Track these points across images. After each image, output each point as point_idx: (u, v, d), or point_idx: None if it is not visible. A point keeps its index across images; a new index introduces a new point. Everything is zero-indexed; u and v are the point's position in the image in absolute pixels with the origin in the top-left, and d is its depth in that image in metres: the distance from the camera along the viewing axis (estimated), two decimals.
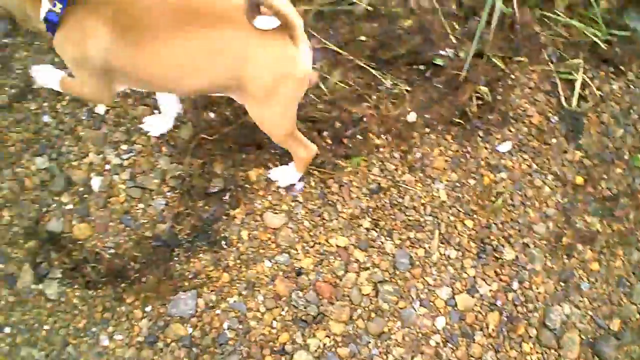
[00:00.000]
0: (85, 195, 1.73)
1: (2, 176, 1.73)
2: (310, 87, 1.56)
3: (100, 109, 1.84)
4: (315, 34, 1.96)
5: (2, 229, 1.68)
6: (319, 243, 1.73)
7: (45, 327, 1.59)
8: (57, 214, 1.70)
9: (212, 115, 1.88)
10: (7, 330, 1.58)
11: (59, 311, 1.61)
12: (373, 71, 1.93)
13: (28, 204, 1.71)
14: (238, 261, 1.69)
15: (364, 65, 1.94)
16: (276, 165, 1.79)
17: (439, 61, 1.97)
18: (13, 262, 1.64)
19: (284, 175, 1.76)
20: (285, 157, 1.77)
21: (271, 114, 1.43)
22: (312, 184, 1.79)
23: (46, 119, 1.82)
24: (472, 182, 1.88)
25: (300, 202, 1.77)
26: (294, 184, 1.78)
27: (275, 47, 1.25)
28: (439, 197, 1.85)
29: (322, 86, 1.91)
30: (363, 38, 1.97)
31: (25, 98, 1.83)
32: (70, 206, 1.72)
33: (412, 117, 1.92)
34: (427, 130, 1.92)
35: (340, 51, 1.94)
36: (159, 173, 1.77)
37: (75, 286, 1.63)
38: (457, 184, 1.87)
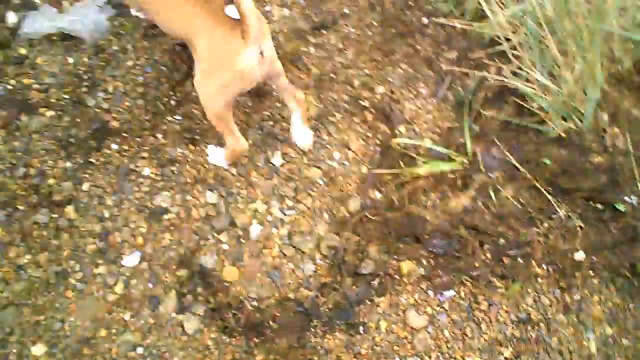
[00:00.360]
0: (242, 240, 1.77)
1: (174, 200, 1.78)
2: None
3: (277, 160, 1.88)
4: (498, 143, 1.93)
5: (160, 251, 1.72)
6: (454, 358, 1.66)
7: (175, 358, 1.59)
8: (213, 250, 1.75)
9: (378, 195, 1.88)
10: (140, 350, 1.64)
11: (191, 347, 1.65)
12: (549, 196, 1.89)
13: (189, 233, 1.76)
14: (371, 351, 1.68)
15: (541, 188, 1.89)
16: (429, 264, 1.84)
17: (620, 206, 1.91)
18: (161, 286, 1.72)
19: (216, 154, 1.88)
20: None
21: (206, 90, 1.61)
22: (462, 294, 1.76)
23: None
24: (626, 342, 1.77)
25: (446, 310, 1.74)
26: (444, 292, 1.79)
27: (224, 36, 1.47)
28: (589, 348, 1.76)
29: (493, 197, 1.87)
30: (547, 161, 1.94)
31: (207, 136, 1.92)
32: (226, 246, 1.76)
33: (579, 255, 1.86)
34: (592, 273, 1.85)
35: (520, 167, 1.91)
36: (315, 238, 1.79)
37: (213, 328, 1.67)
38: (610, 340, 1.77)
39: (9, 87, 1.95)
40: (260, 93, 2.06)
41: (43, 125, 1.88)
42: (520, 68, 2.01)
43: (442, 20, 2.27)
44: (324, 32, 2.24)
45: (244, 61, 1.49)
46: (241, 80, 1.55)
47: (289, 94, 1.78)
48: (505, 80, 2.00)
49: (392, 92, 2.13)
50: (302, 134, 1.90)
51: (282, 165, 1.95)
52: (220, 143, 1.88)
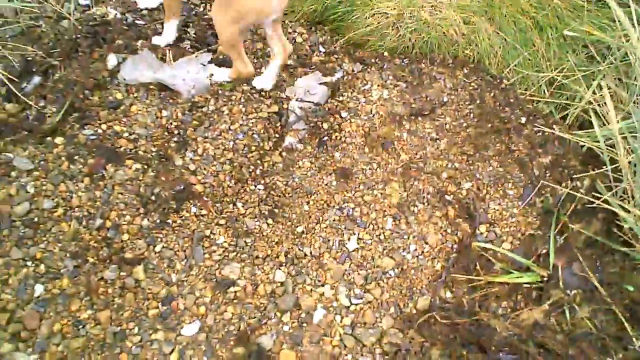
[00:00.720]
0: (304, 323, 1.75)
1: (243, 273, 1.77)
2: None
3: (352, 244, 1.84)
4: (581, 259, 1.85)
5: (220, 323, 1.71)
6: None
7: None
8: (273, 330, 1.74)
9: (449, 295, 1.82)
10: None
11: None
12: (627, 325, 1.78)
13: (252, 309, 1.76)
14: None
15: (620, 315, 1.78)
16: None
17: None
18: None
19: (220, 72, 2.14)
20: None
21: (223, 19, 1.85)
22: None
23: (300, 229, 1.94)
24: None
25: None
26: None
27: None
28: None
29: (568, 316, 1.78)
30: (630, 287, 1.84)
31: (286, 210, 1.98)
32: (287, 327, 1.75)
33: None
34: None
35: (600, 289, 1.81)
36: (378, 332, 1.76)
37: None
38: None
39: (100, 131, 1.99)
40: (346, 173, 2.05)
41: (127, 178, 1.92)
42: (616, 186, 1.92)
43: (541, 122, 2.21)
44: (420, 119, 2.21)
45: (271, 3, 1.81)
46: (257, 15, 1.86)
47: (280, 42, 2.04)
48: (599, 195, 1.92)
49: (478, 189, 2.08)
50: (269, 79, 2.15)
51: (355, 250, 1.92)
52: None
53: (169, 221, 1.95)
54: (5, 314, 1.68)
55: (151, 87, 2.17)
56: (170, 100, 2.16)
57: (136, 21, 2.35)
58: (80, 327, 1.75)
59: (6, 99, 2.03)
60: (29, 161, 1.92)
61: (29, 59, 2.14)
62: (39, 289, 1.75)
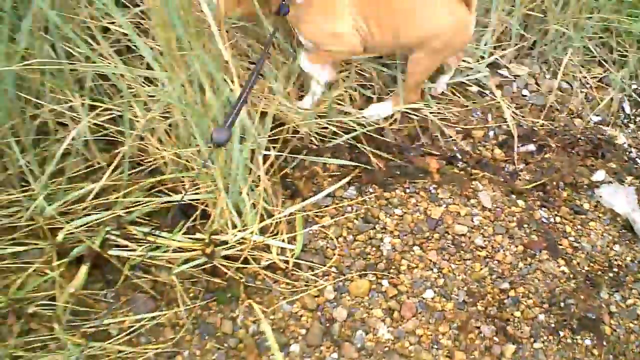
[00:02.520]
0: None
1: None
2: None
3: None
4: None
5: None
6: None
7: None
8: None
9: None
10: None
11: None
12: None
13: None
14: None
15: None
16: None
17: None
18: None
19: (381, 108, 2.22)
20: None
21: (431, 63, 1.98)
22: None
23: None
24: None
25: None
26: None
27: (459, 12, 1.85)
28: None
29: None
30: None
31: None
32: None
33: None
34: None
35: None
36: None
37: None
38: None
39: (553, 219, 2.23)
40: None
41: (551, 272, 2.13)
42: None
43: None
44: None
45: (471, 28, 1.94)
46: (463, 46, 2.07)
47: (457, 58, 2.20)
48: None
49: None
50: (443, 85, 2.28)
51: None
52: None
53: (561, 333, 2.10)
54: None
55: (618, 218, 2.35)
56: (627, 241, 2.31)
57: (637, 159, 2.57)
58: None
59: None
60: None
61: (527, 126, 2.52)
62: (428, 294, 2.04)
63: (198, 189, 1.90)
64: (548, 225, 2.26)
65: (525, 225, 2.19)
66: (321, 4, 1.91)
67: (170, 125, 1.94)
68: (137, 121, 1.87)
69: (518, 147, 2.37)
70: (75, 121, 1.94)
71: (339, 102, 2.24)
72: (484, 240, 2.11)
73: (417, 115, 2.30)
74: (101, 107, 1.88)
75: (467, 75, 2.42)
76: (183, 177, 1.89)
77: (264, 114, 1.94)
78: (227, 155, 1.79)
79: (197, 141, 1.80)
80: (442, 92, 2.28)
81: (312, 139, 2.15)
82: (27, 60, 1.78)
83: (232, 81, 1.68)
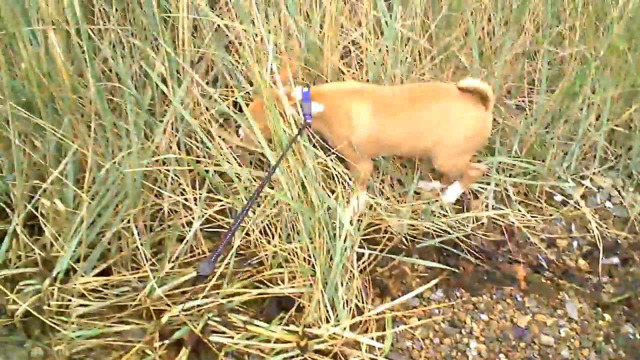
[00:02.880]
0: None
1: None
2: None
3: None
4: None
5: None
6: None
7: None
8: None
9: None
10: None
11: None
12: None
13: None
14: None
15: None
16: None
17: None
18: None
19: (453, 191, 2.31)
20: None
21: (456, 162, 2.12)
22: None
23: None
24: None
25: None
26: None
27: (475, 111, 2.01)
28: None
29: None
30: None
31: None
32: None
33: None
34: None
35: None
36: None
37: None
38: None
39: None
40: None
41: None
42: None
43: None
44: None
45: (489, 125, 2.11)
46: (484, 141, 2.21)
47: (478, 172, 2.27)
48: None
49: None
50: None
51: None
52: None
53: None
54: None
55: None
56: None
57: None
58: None
59: None
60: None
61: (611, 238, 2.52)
62: None
63: (295, 281, 2.01)
64: (635, 341, 2.23)
65: (612, 340, 2.17)
66: (337, 115, 2.06)
67: (273, 220, 2.09)
68: (247, 216, 2.03)
69: (602, 259, 2.38)
70: (188, 209, 2.12)
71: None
72: (571, 353, 2.11)
73: (503, 222, 2.37)
74: (217, 201, 2.06)
75: (552, 185, 2.50)
76: (283, 271, 2.01)
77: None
78: (326, 252, 1.91)
79: (301, 237, 1.94)
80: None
81: (403, 239, 2.25)
82: (157, 154, 2.00)
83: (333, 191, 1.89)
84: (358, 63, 2.46)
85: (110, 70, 2.16)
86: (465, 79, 1.96)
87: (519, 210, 2.37)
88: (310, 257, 1.95)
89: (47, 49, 1.80)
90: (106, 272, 2.07)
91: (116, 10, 2.20)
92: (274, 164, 1.79)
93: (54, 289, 1.96)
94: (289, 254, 1.97)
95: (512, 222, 2.35)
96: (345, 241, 1.88)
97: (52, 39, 1.65)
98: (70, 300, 1.96)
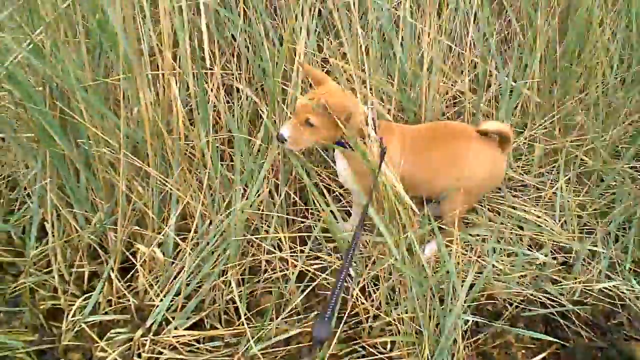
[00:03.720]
0: None
1: None
2: None
3: None
4: None
5: None
6: None
7: None
8: None
9: None
10: None
11: None
12: None
13: None
14: None
15: None
16: None
17: None
18: None
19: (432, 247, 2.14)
20: None
21: (468, 202, 2.09)
22: None
23: None
24: None
25: None
26: None
27: (493, 156, 2.04)
28: None
29: None
30: None
31: None
32: None
33: None
34: None
35: None
36: None
37: None
38: None
39: None
40: None
41: None
42: None
43: None
44: None
45: (504, 167, 2.09)
46: (499, 183, 2.22)
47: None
48: None
49: None
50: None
51: None
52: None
53: None
54: None
55: None
56: None
57: None
58: None
59: None
60: None
61: None
62: None
63: (395, 350, 1.92)
64: None
65: None
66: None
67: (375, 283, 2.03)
68: (349, 275, 1.95)
69: None
70: (284, 262, 2.07)
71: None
72: None
73: (611, 291, 2.23)
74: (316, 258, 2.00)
75: None
76: (386, 339, 1.92)
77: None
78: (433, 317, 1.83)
79: (407, 304, 1.86)
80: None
81: (507, 305, 2.13)
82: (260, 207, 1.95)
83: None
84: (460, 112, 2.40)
85: (219, 116, 2.13)
86: (486, 122, 1.97)
87: (629, 281, 2.21)
88: (414, 323, 1.87)
89: (164, 94, 1.78)
90: (197, 325, 1.99)
91: (222, 53, 2.18)
92: (364, 209, 1.71)
93: (146, 340, 1.90)
94: (393, 319, 1.87)
95: (623, 292, 2.20)
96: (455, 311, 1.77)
97: (172, 85, 1.61)
98: (161, 353, 1.90)
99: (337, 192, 2.24)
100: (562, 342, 2.07)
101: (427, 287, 1.80)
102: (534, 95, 2.37)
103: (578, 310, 2.13)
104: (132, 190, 1.88)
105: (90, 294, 2.01)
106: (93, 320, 1.99)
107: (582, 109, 2.46)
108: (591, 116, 2.41)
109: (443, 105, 2.38)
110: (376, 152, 1.75)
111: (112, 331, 1.97)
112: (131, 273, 2.09)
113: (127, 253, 2.00)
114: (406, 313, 1.87)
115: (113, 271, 1.97)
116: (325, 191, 2.11)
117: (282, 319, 1.96)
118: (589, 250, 2.32)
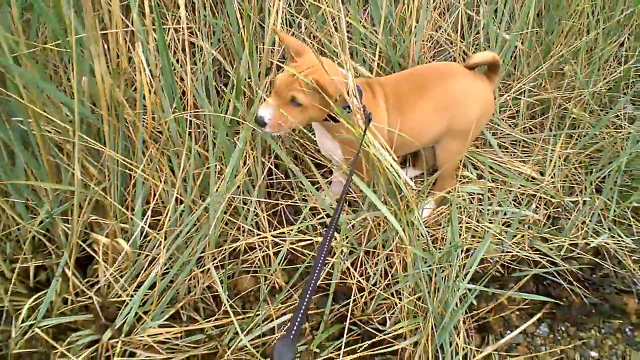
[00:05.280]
0: None
1: None
2: None
3: None
4: None
5: None
6: None
7: None
8: None
9: None
10: None
11: None
12: None
13: None
14: None
15: None
16: None
17: None
18: None
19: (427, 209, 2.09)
20: None
21: (461, 147, 1.93)
22: None
23: None
24: None
25: None
26: None
27: (485, 91, 1.88)
28: None
29: None
30: None
31: None
32: None
33: None
34: None
35: None
36: None
37: None
38: None
39: None
40: None
41: None
42: None
43: None
44: None
45: (493, 101, 1.94)
46: (487, 122, 2.05)
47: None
48: None
49: None
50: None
51: None
52: None
53: None
54: None
55: None
56: None
57: None
58: None
59: None
60: None
61: None
62: None
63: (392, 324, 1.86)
64: None
65: None
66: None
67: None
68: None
69: None
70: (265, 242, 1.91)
71: None
72: None
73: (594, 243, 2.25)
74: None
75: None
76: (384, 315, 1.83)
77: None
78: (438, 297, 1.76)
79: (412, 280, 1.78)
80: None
81: (499, 267, 2.10)
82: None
83: None
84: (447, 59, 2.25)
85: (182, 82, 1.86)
86: (473, 56, 1.85)
87: (615, 233, 2.23)
88: (414, 298, 1.80)
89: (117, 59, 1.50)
90: (172, 318, 1.82)
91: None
92: (346, 184, 1.50)
93: (117, 342, 1.70)
94: (391, 294, 1.78)
95: (607, 243, 2.22)
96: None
97: (137, 48, 1.34)
98: (134, 355, 1.72)
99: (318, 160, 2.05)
100: (555, 301, 2.05)
101: (433, 262, 1.69)
102: (524, 47, 2.25)
103: (569, 267, 2.11)
104: (86, 174, 1.60)
105: (39, 292, 1.76)
106: (49, 324, 1.73)
107: (570, 58, 2.38)
108: (580, 65, 2.34)
109: (430, 54, 2.21)
110: (361, 121, 1.56)
111: (74, 334, 1.73)
112: (89, 267, 1.84)
113: (84, 245, 1.73)
114: (407, 289, 1.76)
115: (68, 266, 1.71)
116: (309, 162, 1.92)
117: (269, 304, 1.80)
118: (574, 202, 2.30)
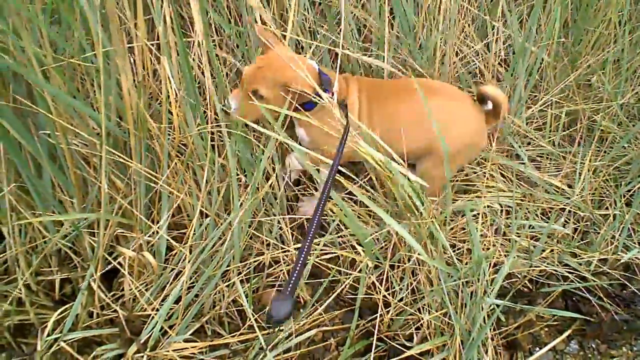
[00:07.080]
0: None
1: None
2: None
3: None
4: None
5: None
6: None
7: None
8: None
9: None
10: None
11: None
12: None
13: None
14: None
15: None
16: None
17: None
18: None
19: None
20: None
21: (442, 173, 1.80)
22: None
23: None
24: None
25: None
26: None
27: (475, 120, 1.84)
28: None
29: None
30: None
31: None
32: None
33: None
34: None
35: None
36: None
37: None
38: None
39: None
40: None
41: None
42: None
43: None
44: None
45: (486, 137, 1.91)
46: (479, 153, 2.07)
47: None
48: None
49: None
50: None
51: None
52: None
53: None
54: None
55: None
56: None
57: None
58: None
59: None
60: None
61: None
62: None
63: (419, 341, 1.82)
64: None
65: None
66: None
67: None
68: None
69: None
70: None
71: None
72: None
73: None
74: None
75: None
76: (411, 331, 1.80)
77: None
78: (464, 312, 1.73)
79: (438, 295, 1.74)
80: None
81: (527, 282, 2.06)
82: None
83: None
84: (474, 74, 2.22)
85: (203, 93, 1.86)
86: (487, 85, 1.81)
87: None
88: (440, 314, 1.76)
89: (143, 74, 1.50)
90: (197, 332, 1.80)
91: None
92: (327, 180, 1.45)
93: (142, 356, 1.69)
94: (417, 310, 1.75)
95: (637, 258, 2.16)
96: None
97: (163, 62, 1.34)
98: None
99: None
100: (585, 317, 2.00)
101: (458, 278, 1.65)
102: (551, 59, 2.22)
103: (599, 282, 2.07)
104: (112, 187, 1.60)
105: (64, 305, 1.75)
106: (74, 338, 1.73)
107: (598, 69, 2.33)
108: (608, 75, 2.29)
109: (459, 65, 2.19)
110: (337, 112, 1.60)
111: (100, 348, 1.73)
112: (114, 280, 1.83)
113: (110, 258, 1.73)
114: (434, 304, 1.76)
115: (94, 280, 1.70)
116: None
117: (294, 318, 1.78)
118: (603, 216, 2.25)
